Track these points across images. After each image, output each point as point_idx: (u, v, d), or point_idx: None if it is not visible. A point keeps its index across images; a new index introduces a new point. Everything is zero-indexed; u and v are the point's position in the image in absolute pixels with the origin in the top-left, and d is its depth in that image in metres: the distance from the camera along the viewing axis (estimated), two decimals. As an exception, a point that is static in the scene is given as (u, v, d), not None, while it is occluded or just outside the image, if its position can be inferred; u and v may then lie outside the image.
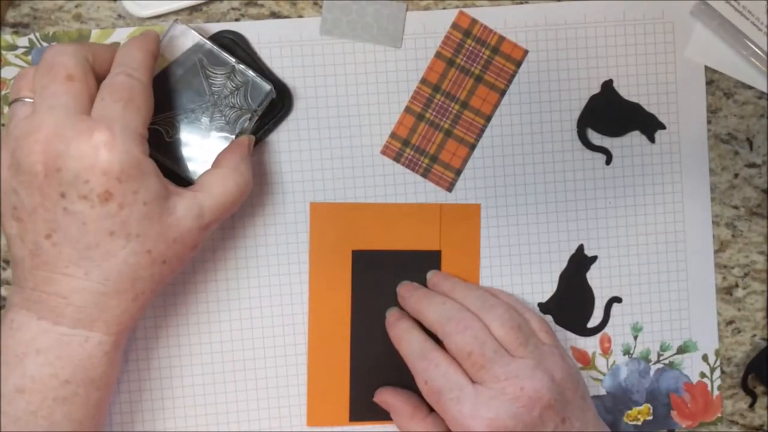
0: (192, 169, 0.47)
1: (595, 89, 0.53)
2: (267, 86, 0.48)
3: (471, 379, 0.46)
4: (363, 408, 0.52)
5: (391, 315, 0.51)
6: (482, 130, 0.52)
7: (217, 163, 0.46)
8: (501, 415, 0.44)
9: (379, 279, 0.52)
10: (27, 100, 0.41)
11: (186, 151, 0.47)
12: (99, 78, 0.42)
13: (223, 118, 0.48)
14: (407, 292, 0.51)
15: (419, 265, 0.52)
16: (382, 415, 0.52)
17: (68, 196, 0.39)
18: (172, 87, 0.47)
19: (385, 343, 0.51)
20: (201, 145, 0.47)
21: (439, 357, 0.47)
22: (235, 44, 0.50)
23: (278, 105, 0.51)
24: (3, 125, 0.50)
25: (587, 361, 0.54)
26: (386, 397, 0.51)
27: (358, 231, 0.52)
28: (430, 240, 0.52)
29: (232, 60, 0.48)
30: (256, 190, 0.51)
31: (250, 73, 0.48)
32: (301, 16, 0.51)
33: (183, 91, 0.47)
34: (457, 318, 0.47)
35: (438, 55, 0.52)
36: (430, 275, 0.52)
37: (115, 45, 0.47)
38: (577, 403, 0.47)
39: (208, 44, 0.47)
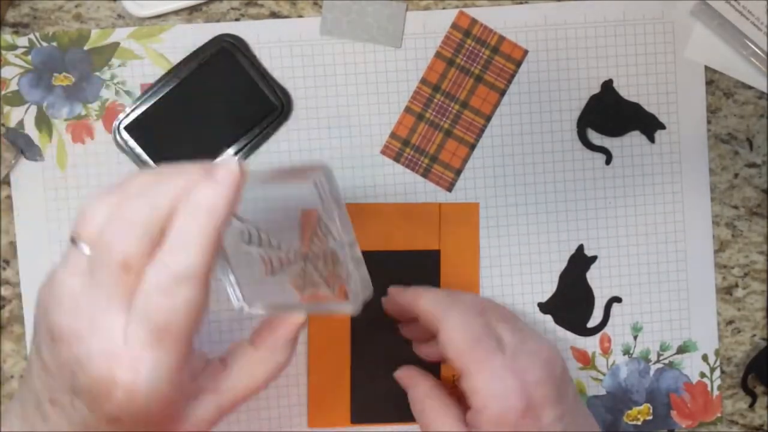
0: (239, 301, 0.40)
1: (595, 89, 0.53)
2: (368, 289, 0.39)
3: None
4: (364, 409, 0.52)
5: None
6: (482, 130, 0.52)
7: (256, 339, 0.39)
8: (534, 365, 0.43)
9: (379, 279, 0.51)
10: (84, 248, 0.34)
11: (245, 279, 0.40)
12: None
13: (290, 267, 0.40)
14: (398, 293, 0.48)
15: (418, 264, 0.52)
16: (383, 416, 0.52)
17: (78, 396, 0.34)
18: (271, 207, 0.39)
19: (385, 344, 0.51)
20: (261, 283, 0.40)
21: (458, 303, 0.45)
22: (235, 48, 0.50)
23: (278, 107, 0.51)
24: (2, 125, 0.50)
25: (587, 361, 0.54)
26: (407, 373, 0.49)
27: (357, 231, 0.51)
28: (429, 239, 0.52)
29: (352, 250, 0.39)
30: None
31: (359, 270, 0.39)
32: (301, 16, 0.51)
33: (278, 221, 0.39)
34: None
35: (438, 55, 0.52)
36: (390, 289, 0.49)
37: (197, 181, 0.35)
38: (577, 406, 0.46)
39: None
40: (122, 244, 0.33)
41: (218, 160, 0.43)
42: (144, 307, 0.33)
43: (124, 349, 0.33)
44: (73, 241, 0.35)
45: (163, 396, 0.34)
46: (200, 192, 0.33)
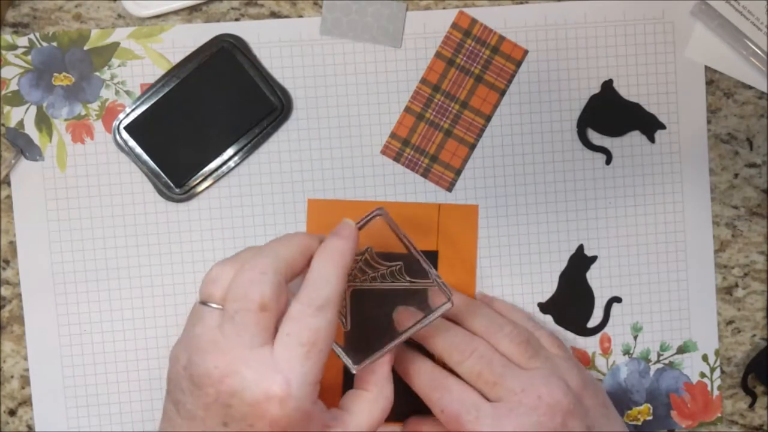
0: (353, 366, 0.45)
1: (595, 89, 0.53)
2: (447, 300, 0.46)
3: (487, 399, 0.46)
4: None
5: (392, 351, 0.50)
6: (482, 130, 0.52)
7: (361, 383, 0.45)
8: (524, 426, 0.44)
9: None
10: (215, 306, 0.40)
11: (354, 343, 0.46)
12: (292, 278, 0.42)
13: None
14: (406, 320, 0.48)
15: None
16: (397, 415, 0.52)
17: (230, 426, 0.39)
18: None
19: (381, 343, 0.50)
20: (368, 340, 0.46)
21: (450, 382, 0.47)
22: (235, 48, 0.50)
23: (278, 107, 0.51)
24: (2, 125, 0.50)
25: (587, 361, 0.54)
26: (417, 427, 0.50)
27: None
28: (428, 240, 0.52)
29: (432, 272, 0.46)
30: (256, 190, 0.51)
31: (437, 280, 0.46)
32: (301, 16, 0.51)
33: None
34: (462, 344, 0.47)
35: (438, 55, 0.52)
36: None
37: (310, 245, 0.43)
38: (600, 411, 0.47)
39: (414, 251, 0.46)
40: (258, 289, 0.40)
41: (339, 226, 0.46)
42: (292, 331, 0.40)
43: (275, 370, 0.39)
44: (204, 303, 0.41)
45: (307, 409, 0.39)
46: (332, 242, 0.43)
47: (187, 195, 0.51)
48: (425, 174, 0.52)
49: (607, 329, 0.54)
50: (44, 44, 0.50)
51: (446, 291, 0.46)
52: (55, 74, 0.50)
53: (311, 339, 0.40)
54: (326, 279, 0.41)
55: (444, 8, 0.52)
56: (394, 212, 0.52)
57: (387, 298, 0.48)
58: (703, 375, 0.55)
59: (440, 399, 0.46)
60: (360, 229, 0.45)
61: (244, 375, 0.39)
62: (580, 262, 0.53)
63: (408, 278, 0.47)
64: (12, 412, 0.51)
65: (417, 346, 0.50)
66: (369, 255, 0.47)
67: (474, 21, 0.52)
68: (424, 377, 0.48)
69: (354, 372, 0.45)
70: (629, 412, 0.54)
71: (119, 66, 0.51)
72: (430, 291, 0.47)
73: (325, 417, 0.41)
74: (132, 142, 0.50)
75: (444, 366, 0.48)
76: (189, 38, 0.51)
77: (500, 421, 0.44)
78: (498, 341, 0.47)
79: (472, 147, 0.52)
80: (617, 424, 0.48)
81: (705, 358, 0.54)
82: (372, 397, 0.44)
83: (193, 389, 0.39)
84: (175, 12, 0.51)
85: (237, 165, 0.51)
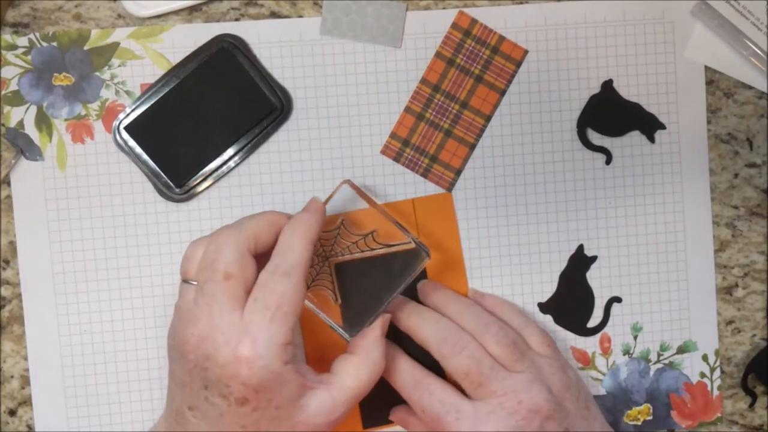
0: (347, 334, 0.48)
1: (595, 89, 0.53)
2: (424, 254, 0.48)
3: (469, 398, 0.46)
4: (375, 413, 0.52)
5: None
6: (482, 130, 0.52)
7: (351, 348, 0.47)
8: (502, 428, 0.45)
9: (364, 280, 0.51)
10: (192, 283, 0.44)
11: (347, 315, 0.49)
12: (262, 255, 0.44)
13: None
14: (395, 308, 0.50)
15: (402, 262, 0.51)
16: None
17: (210, 389, 0.42)
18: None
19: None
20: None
21: (431, 382, 0.47)
22: (235, 48, 0.50)
23: (278, 107, 0.51)
24: (2, 125, 0.50)
25: (587, 361, 0.54)
26: (403, 415, 0.51)
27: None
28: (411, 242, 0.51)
29: (406, 231, 0.49)
30: (256, 190, 0.51)
31: (413, 240, 0.49)
32: (301, 16, 0.51)
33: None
34: (452, 339, 0.47)
35: (438, 55, 0.52)
36: (420, 285, 0.52)
37: (278, 219, 0.46)
38: (580, 413, 0.47)
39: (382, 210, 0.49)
40: (221, 259, 0.43)
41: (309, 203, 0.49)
42: (259, 296, 0.42)
43: (243, 332, 0.41)
44: (184, 281, 0.44)
45: (276, 369, 0.41)
46: (298, 216, 0.46)
47: (187, 195, 0.51)
48: (425, 174, 0.52)
49: (607, 329, 0.54)
50: (44, 44, 0.50)
51: (422, 247, 0.48)
52: (55, 74, 0.50)
53: (276, 302, 0.42)
54: (291, 248, 0.44)
55: (444, 8, 0.52)
56: (372, 214, 0.51)
57: (371, 268, 0.50)
58: (703, 375, 0.55)
59: (420, 399, 0.47)
60: (327, 201, 0.48)
61: (216, 339, 0.42)
62: (580, 262, 0.53)
63: (384, 243, 0.49)
64: (12, 412, 0.51)
65: (399, 340, 0.50)
66: (343, 225, 0.50)
67: (474, 21, 0.52)
68: (404, 375, 0.48)
69: (348, 338, 0.47)
70: (629, 412, 0.54)
71: (119, 66, 0.51)
72: (411, 255, 0.49)
73: (308, 379, 0.43)
74: (132, 142, 0.50)
75: (426, 357, 0.48)
76: (189, 38, 0.51)
77: (480, 423, 0.45)
78: (485, 341, 0.48)
79: (472, 147, 0.52)
80: (598, 425, 0.48)
81: (705, 358, 0.54)
82: (358, 360, 0.46)
83: (179, 358, 0.43)
84: (175, 12, 0.51)
85: (237, 165, 0.51)
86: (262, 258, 0.44)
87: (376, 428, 0.53)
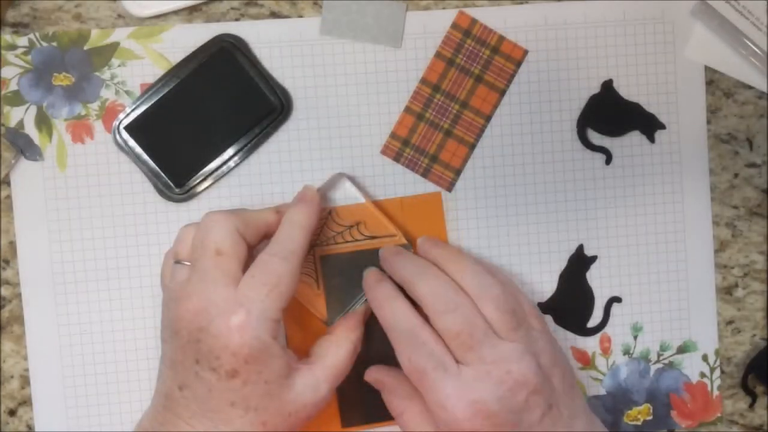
0: (330, 322, 0.50)
1: (595, 89, 0.53)
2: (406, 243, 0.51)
3: (456, 360, 0.45)
4: (353, 412, 0.52)
5: (370, 275, 0.49)
6: (482, 130, 0.52)
7: (330, 330, 0.49)
8: (485, 398, 0.43)
9: (350, 280, 0.51)
10: (185, 263, 0.45)
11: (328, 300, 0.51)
12: (250, 244, 0.46)
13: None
14: (392, 255, 0.49)
15: None
16: (373, 417, 0.52)
17: (201, 363, 0.43)
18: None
19: (367, 345, 0.50)
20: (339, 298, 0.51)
21: (427, 335, 0.45)
22: (235, 48, 0.50)
23: (278, 107, 0.51)
24: (2, 125, 0.50)
25: (587, 361, 0.54)
26: (379, 376, 0.49)
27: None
28: (398, 236, 0.51)
29: (388, 224, 0.51)
30: (256, 190, 0.51)
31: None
32: (301, 16, 0.51)
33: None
34: (447, 297, 0.45)
35: (438, 55, 0.52)
36: (421, 240, 0.51)
37: (267, 214, 0.48)
38: (566, 391, 0.46)
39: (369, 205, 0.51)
40: (212, 236, 0.44)
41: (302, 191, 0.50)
42: (256, 273, 0.44)
43: (237, 303, 0.42)
44: (176, 262, 0.45)
45: (266, 340, 0.43)
46: (297, 206, 0.47)
47: (187, 195, 0.51)
48: (425, 174, 0.52)
49: (607, 329, 0.54)
50: (44, 44, 0.50)
51: (405, 241, 0.50)
52: (55, 74, 0.50)
53: (273, 281, 0.43)
54: (290, 237, 0.45)
55: (444, 8, 0.52)
56: (360, 211, 0.51)
57: (355, 260, 0.51)
58: (703, 375, 0.55)
59: (409, 347, 0.45)
60: (321, 191, 0.49)
61: (210, 311, 0.42)
62: (580, 262, 0.53)
63: (368, 234, 0.50)
64: (12, 412, 0.51)
65: (368, 327, 0.50)
66: (331, 215, 0.50)
67: (474, 21, 0.52)
68: (400, 317, 0.46)
69: (330, 324, 0.50)
70: (629, 412, 0.54)
71: (119, 66, 0.51)
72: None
73: (291, 359, 0.45)
74: (132, 142, 0.50)
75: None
76: (189, 38, 0.51)
77: (464, 387, 0.43)
78: (484, 304, 0.45)
79: (472, 147, 0.52)
80: (581, 406, 0.47)
81: (705, 358, 0.54)
82: (337, 340, 0.47)
83: (172, 336, 0.44)
84: (175, 12, 0.51)
85: (237, 165, 0.51)
86: (251, 249, 0.46)
87: (355, 428, 0.52)
